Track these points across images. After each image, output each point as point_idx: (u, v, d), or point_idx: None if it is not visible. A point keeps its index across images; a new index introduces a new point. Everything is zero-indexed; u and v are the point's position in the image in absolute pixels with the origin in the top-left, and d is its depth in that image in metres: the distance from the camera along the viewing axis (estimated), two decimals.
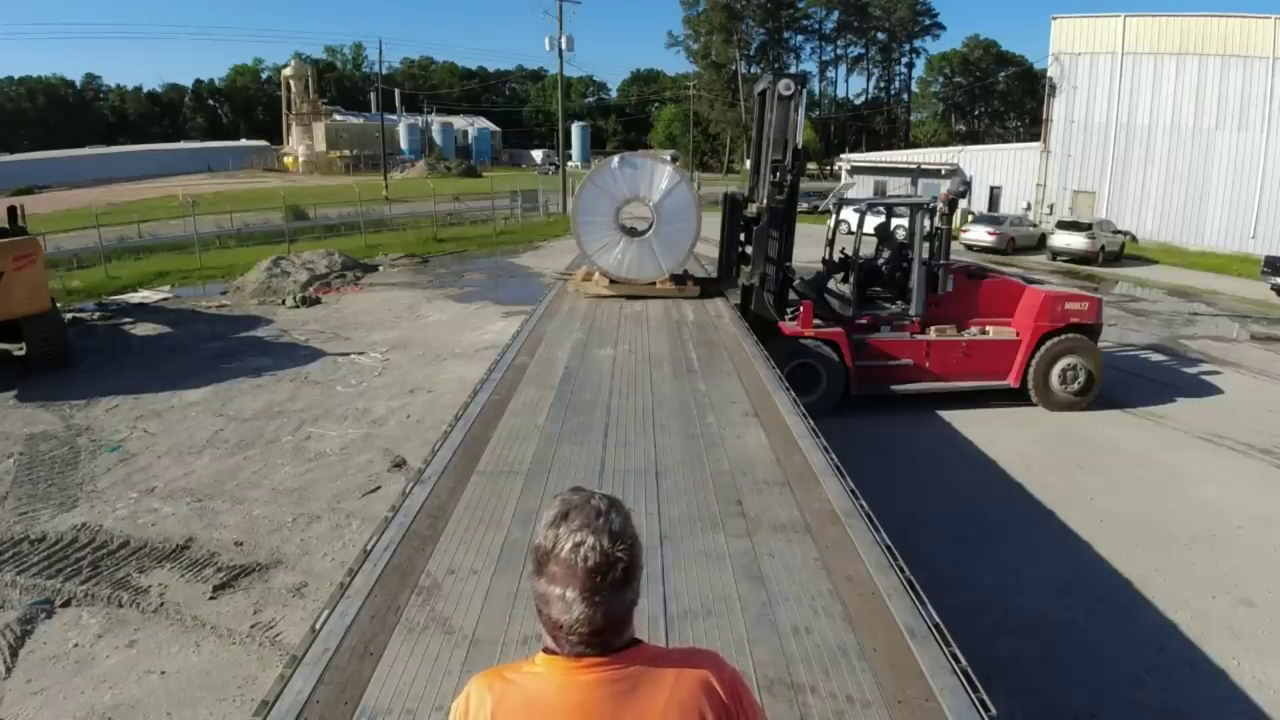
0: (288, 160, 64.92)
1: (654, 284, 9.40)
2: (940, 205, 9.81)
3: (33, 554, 6.09)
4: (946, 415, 9.76)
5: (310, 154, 64.34)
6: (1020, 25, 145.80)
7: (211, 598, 5.53)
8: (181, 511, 6.87)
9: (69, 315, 13.82)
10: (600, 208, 9.32)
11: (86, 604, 5.46)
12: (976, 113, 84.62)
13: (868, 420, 9.34)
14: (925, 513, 6.94)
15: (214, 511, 6.88)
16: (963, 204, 29.07)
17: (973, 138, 68.31)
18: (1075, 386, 9.95)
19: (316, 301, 16.44)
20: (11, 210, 11.82)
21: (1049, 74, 32.29)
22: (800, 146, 9.63)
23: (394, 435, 8.79)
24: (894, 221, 11.84)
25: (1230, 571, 6.20)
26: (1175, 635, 5.36)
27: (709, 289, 9.72)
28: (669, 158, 10.12)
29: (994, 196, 34.17)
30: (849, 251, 10.85)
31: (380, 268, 21.09)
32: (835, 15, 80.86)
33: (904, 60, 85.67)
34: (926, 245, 9.84)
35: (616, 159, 9.55)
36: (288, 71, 68.73)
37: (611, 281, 9.38)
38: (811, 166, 64.56)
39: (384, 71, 61.71)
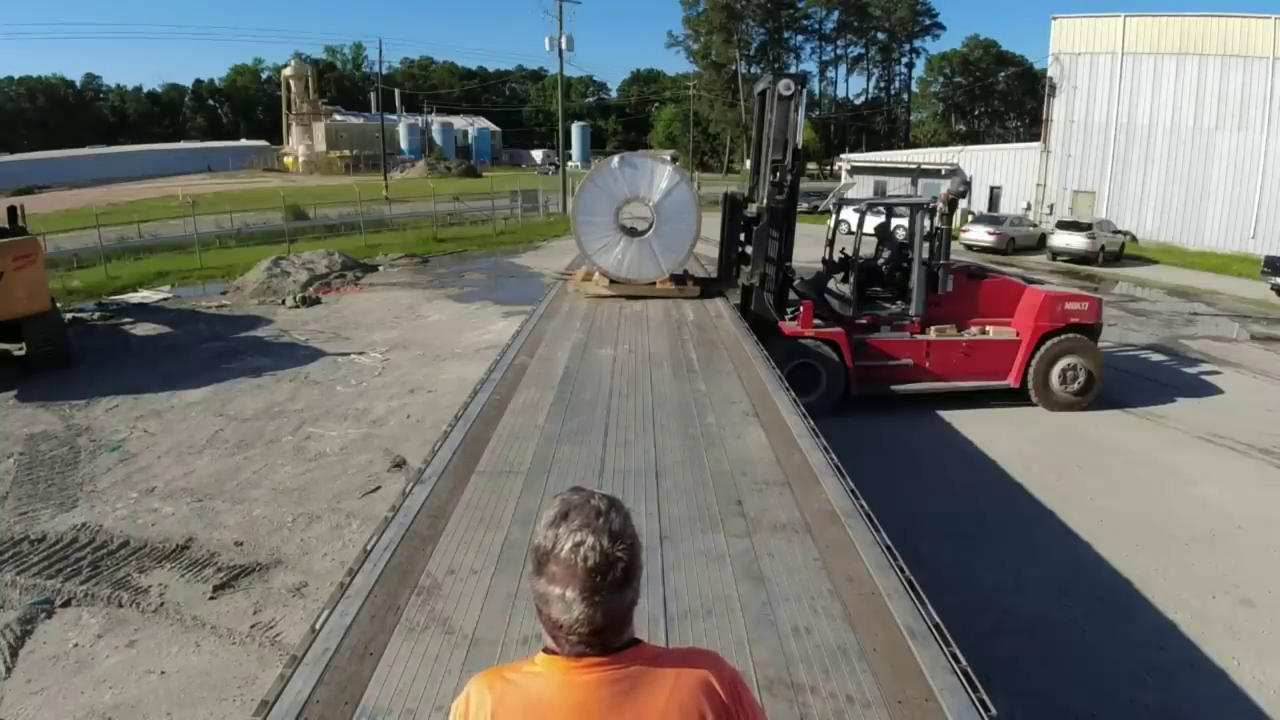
0: (288, 160, 64.94)
1: (654, 284, 9.40)
2: (940, 205, 9.81)
3: (33, 554, 6.09)
4: (946, 415, 9.76)
5: (310, 154, 64.35)
6: (1020, 25, 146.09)
7: (211, 598, 5.53)
8: (181, 511, 6.87)
9: (69, 315, 13.82)
10: (600, 208, 9.32)
11: (86, 604, 5.46)
12: (976, 113, 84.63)
13: (868, 420, 9.34)
14: (925, 513, 6.94)
15: (214, 511, 6.88)
16: (963, 204, 29.07)
17: (973, 138, 68.33)
18: (1075, 386, 9.95)
19: (316, 301, 16.44)
20: (11, 210, 11.82)
21: (1049, 74, 32.29)
22: (800, 146, 9.63)
23: (394, 435, 8.79)
24: (894, 221, 11.84)
25: (1230, 571, 6.20)
26: (1175, 635, 5.36)
27: (709, 289, 9.72)
28: (669, 158, 10.12)
29: (994, 196, 34.18)
30: (849, 251, 10.85)
31: (380, 268, 21.10)
32: (835, 15, 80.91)
33: (904, 60, 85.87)
34: (926, 245, 9.84)
35: (616, 159, 9.55)
36: (288, 71, 68.74)
37: (611, 281, 9.38)
38: (811, 166, 64.57)
39: (384, 71, 61.77)
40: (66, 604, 5.45)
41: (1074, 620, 5.49)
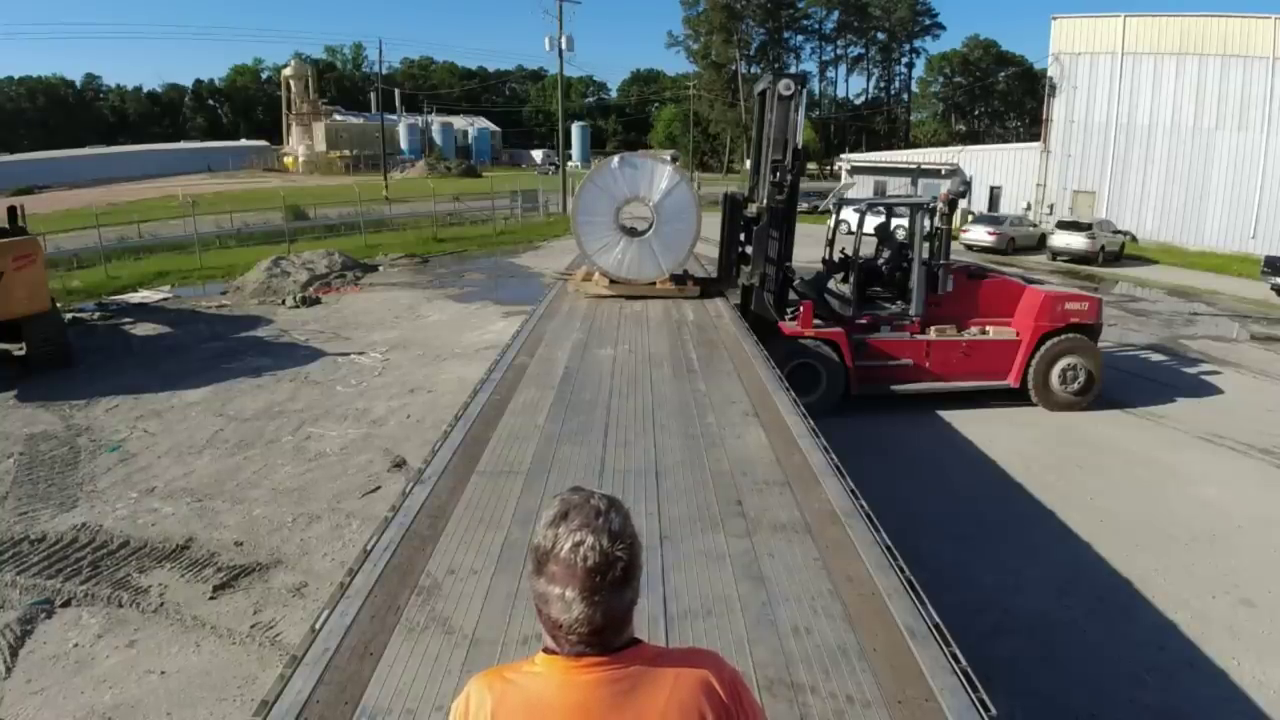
0: (288, 160, 64.94)
1: (654, 284, 9.40)
2: (940, 205, 9.81)
3: (33, 554, 6.09)
4: (946, 415, 9.76)
5: (310, 154, 64.36)
6: (1020, 25, 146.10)
7: (211, 598, 5.53)
8: (181, 511, 6.87)
9: (69, 315, 13.82)
10: (600, 208, 9.32)
11: (86, 604, 5.46)
12: (976, 113, 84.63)
13: (868, 420, 9.34)
14: (925, 513, 6.94)
15: (214, 511, 6.88)
16: (963, 204, 29.06)
17: (973, 138, 68.33)
18: (1075, 386, 9.95)
19: (316, 301, 16.44)
20: (11, 210, 11.82)
21: (1049, 74, 32.29)
22: (800, 146, 9.64)
23: (394, 435, 8.79)
24: (894, 221, 11.84)
25: (1230, 571, 6.20)
26: (1175, 635, 5.36)
27: (709, 289, 9.72)
28: (669, 158, 10.12)
29: (994, 196, 34.18)
30: (849, 251, 10.85)
31: (380, 268, 21.10)
32: (835, 15, 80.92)
33: (904, 60, 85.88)
34: (926, 245, 9.84)
35: (616, 159, 9.55)
36: (288, 71, 68.75)
37: (611, 281, 9.38)
38: (811, 166, 64.57)
39: (384, 71, 61.76)
40: (66, 604, 5.45)
41: (1074, 620, 5.49)
